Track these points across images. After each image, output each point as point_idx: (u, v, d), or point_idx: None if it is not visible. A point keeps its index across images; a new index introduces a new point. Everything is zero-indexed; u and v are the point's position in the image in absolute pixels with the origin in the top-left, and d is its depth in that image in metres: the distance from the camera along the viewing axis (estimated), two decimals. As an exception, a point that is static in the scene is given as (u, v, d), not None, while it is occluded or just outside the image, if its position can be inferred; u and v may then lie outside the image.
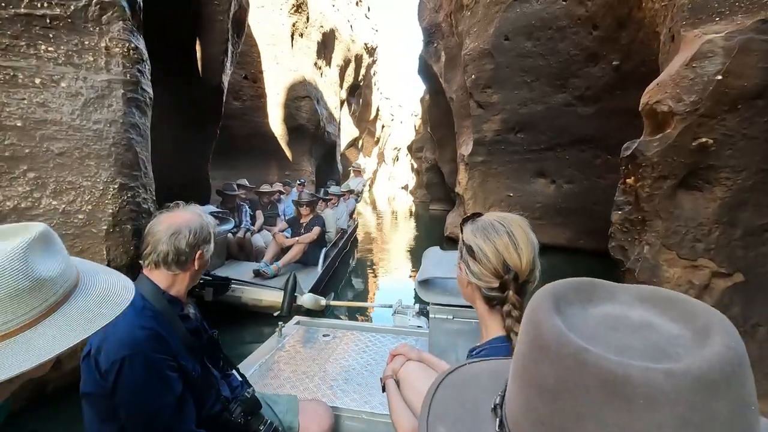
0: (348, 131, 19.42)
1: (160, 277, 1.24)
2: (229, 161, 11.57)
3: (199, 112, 6.21)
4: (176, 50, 5.40)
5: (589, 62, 6.93)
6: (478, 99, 8.66)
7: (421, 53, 12.96)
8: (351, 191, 8.73)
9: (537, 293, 0.39)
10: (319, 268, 5.24)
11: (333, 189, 8.69)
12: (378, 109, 37.29)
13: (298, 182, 9.20)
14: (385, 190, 52.11)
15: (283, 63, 11.18)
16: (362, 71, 23.44)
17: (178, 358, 1.19)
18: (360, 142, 36.02)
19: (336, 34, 15.41)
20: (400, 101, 59.55)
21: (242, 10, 6.96)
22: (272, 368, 2.28)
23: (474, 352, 0.94)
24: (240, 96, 11.07)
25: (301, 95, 11.34)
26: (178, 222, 1.24)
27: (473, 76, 8.57)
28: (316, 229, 5.51)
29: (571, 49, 7.02)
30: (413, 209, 25.44)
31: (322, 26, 13.34)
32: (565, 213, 8.70)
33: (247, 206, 7.00)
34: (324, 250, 5.56)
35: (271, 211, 7.88)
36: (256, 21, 10.70)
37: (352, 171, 10.66)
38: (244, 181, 8.19)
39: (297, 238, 5.34)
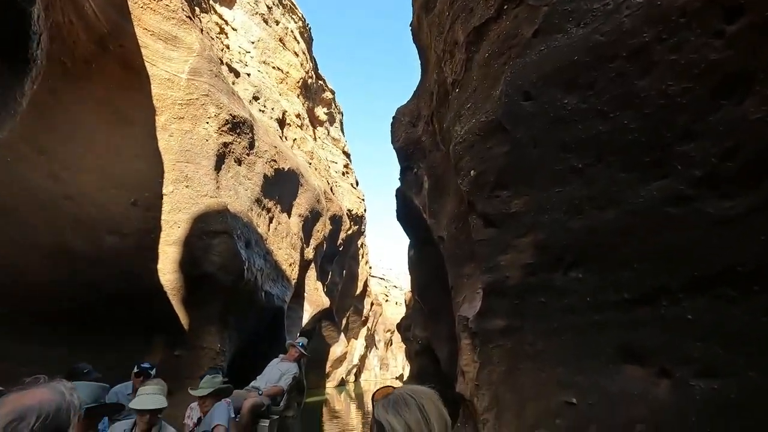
0: (314, 300, 15.16)
1: None
2: (80, 334, 6.95)
3: None
4: None
5: (722, 97, 3.24)
6: (486, 210, 4.75)
7: (397, 190, 9.83)
8: (217, 393, 3.79)
9: None
10: None
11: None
12: (366, 284, 33.71)
13: (135, 370, 4.44)
14: (377, 381, 44.04)
15: (196, 186, 7.77)
16: (342, 235, 20.65)
17: None
18: (344, 321, 31.10)
19: (300, 179, 12.76)
20: (397, 283, 57.09)
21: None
22: None
23: None
24: (120, 228, 7.24)
25: (215, 229, 7.54)
26: (25, 404, 0.96)
27: (473, 173, 4.88)
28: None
29: (671, 83, 3.44)
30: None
31: (274, 161, 10.60)
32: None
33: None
34: None
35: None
36: (168, 133, 7.73)
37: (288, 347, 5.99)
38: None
39: None
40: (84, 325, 6.85)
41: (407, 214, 10.27)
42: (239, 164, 9.14)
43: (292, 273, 11.98)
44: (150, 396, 2.79)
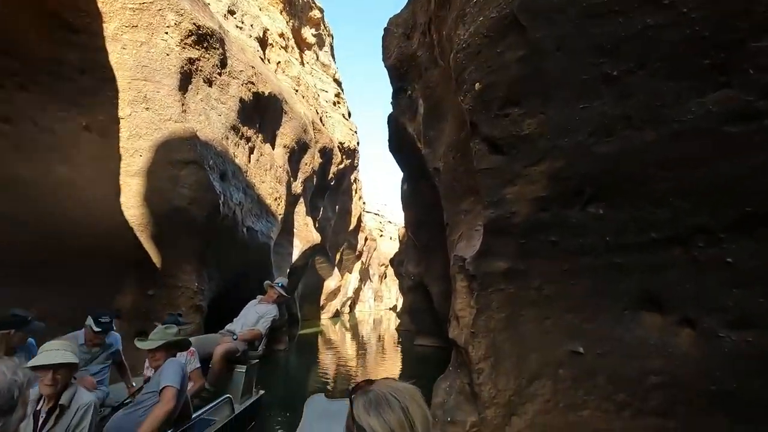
0: (304, 236, 14.67)
1: None
2: (38, 270, 6.35)
3: None
4: None
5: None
6: (492, 132, 3.92)
7: (389, 116, 8.82)
8: (169, 347, 3.20)
9: None
10: None
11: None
12: (360, 219, 33.42)
13: (96, 328, 3.71)
14: (371, 312, 45.65)
15: (158, 108, 6.75)
16: (333, 169, 19.75)
17: None
18: (338, 256, 31.21)
19: (284, 106, 11.61)
20: (392, 218, 57.04)
21: None
22: None
23: None
24: (72, 155, 6.35)
25: (183, 159, 6.67)
26: None
27: (477, 86, 3.97)
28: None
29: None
30: (397, 339, 19.45)
31: (252, 83, 9.41)
32: (736, 404, 3.38)
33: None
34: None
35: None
36: (120, 45, 6.54)
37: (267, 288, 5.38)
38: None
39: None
40: (43, 262, 6.24)
41: (400, 144, 9.36)
42: (209, 85, 8.01)
43: (278, 208, 11.30)
44: (54, 351, 2.17)
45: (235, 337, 4.78)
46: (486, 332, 4.06)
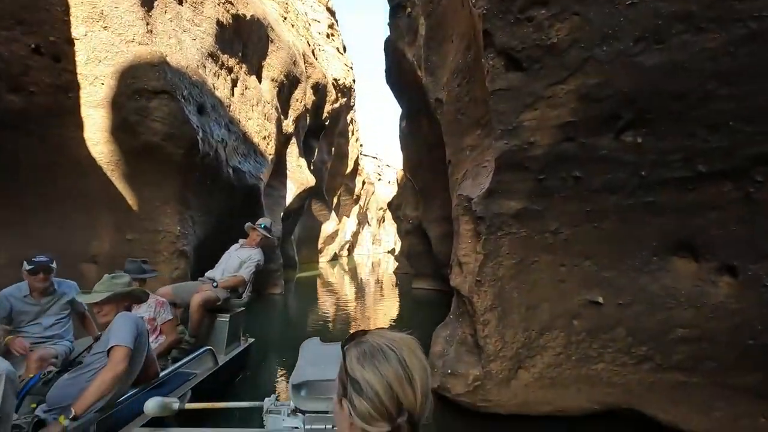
0: (298, 179, 14.02)
1: None
2: (10, 215, 5.81)
3: None
4: None
5: None
6: (510, 43, 3.17)
7: (386, 41, 7.84)
8: (129, 295, 2.75)
9: None
10: None
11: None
12: (357, 163, 32.54)
13: (27, 267, 3.24)
14: (369, 255, 46.17)
15: (117, 28, 5.82)
16: (327, 107, 18.64)
17: None
18: (335, 200, 30.75)
19: (270, 33, 10.45)
20: (390, 162, 55.79)
21: None
22: None
23: None
24: (23, 84, 5.55)
25: (151, 87, 5.86)
26: None
27: (494, -18, 3.18)
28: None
29: None
30: (395, 282, 19.56)
31: (230, 3, 8.29)
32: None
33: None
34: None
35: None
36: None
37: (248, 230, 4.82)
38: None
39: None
40: (6, 201, 5.68)
41: (398, 75, 8.44)
42: (179, 3, 6.96)
43: (268, 147, 10.56)
44: None
45: (215, 284, 4.34)
46: (493, 280, 3.60)
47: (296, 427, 2.37)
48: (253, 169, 9.41)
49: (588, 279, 3.50)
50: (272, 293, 11.97)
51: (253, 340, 5.04)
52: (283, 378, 5.40)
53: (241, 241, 4.84)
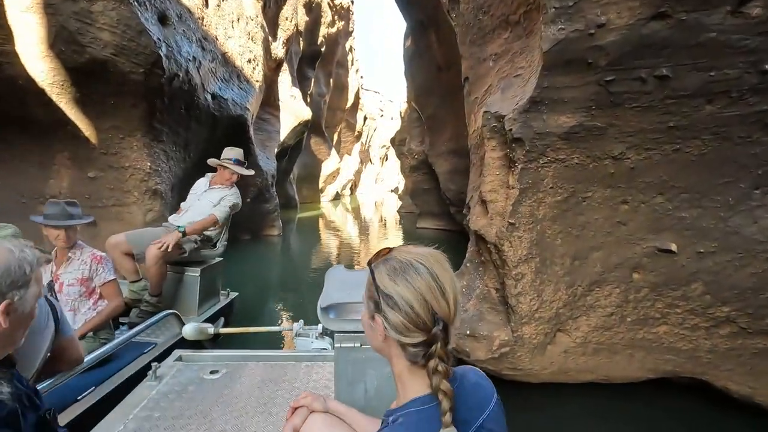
0: (292, 110, 12.76)
1: None
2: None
3: None
4: None
5: None
6: None
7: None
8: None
9: None
10: None
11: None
12: (358, 96, 30.64)
13: None
14: (372, 194, 45.38)
15: None
16: (323, 31, 16.79)
17: None
18: (335, 136, 29.34)
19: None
20: (393, 97, 52.91)
21: None
22: (141, 428, 1.76)
23: (391, 419, 0.79)
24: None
25: (93, -13, 4.64)
26: None
27: None
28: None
29: None
30: (399, 221, 18.97)
31: None
32: None
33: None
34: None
35: None
36: None
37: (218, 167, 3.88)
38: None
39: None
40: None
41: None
42: None
43: (255, 73, 9.28)
44: None
45: (181, 228, 3.53)
46: (531, 223, 2.74)
47: (324, 348, 2.61)
48: (238, 97, 8.27)
49: (658, 220, 2.64)
50: (269, 235, 11.32)
51: (236, 294, 4.32)
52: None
53: (208, 175, 3.96)
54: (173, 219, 3.70)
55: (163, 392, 2.05)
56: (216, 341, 3.35)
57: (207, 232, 3.68)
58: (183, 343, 3.00)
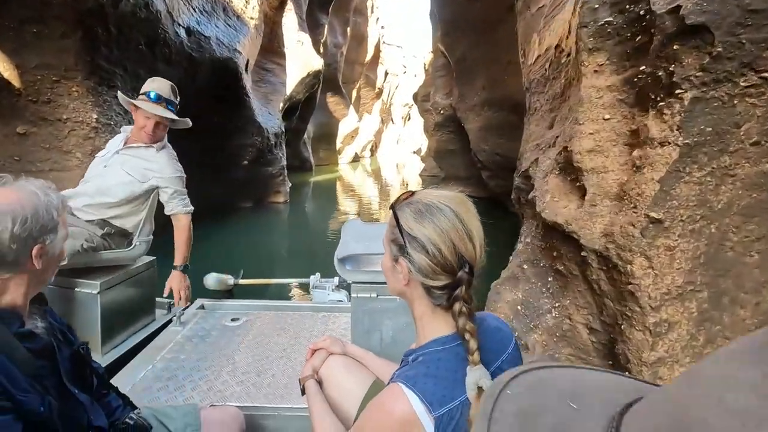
0: (301, 59, 11.13)
1: None
2: None
3: None
4: None
5: None
6: None
7: None
8: None
9: None
10: None
11: None
12: (378, 49, 28.28)
13: None
14: (393, 156, 43.45)
15: None
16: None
17: (12, 394, 0.87)
18: (354, 93, 27.40)
19: None
20: (416, 51, 49.34)
21: None
22: (168, 368, 1.84)
23: (411, 358, 0.80)
24: None
25: None
26: None
27: None
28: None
29: None
30: (421, 185, 17.35)
31: None
32: None
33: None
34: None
35: None
36: None
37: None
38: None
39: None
40: None
41: None
42: None
43: (248, 9, 7.69)
44: None
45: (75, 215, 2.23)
46: (700, 219, 1.27)
47: (340, 300, 3.01)
48: (224, 36, 6.76)
49: None
50: (274, 202, 10.07)
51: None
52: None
53: (124, 129, 2.59)
54: (68, 193, 2.37)
55: (188, 336, 2.11)
56: (234, 292, 3.81)
57: (116, 222, 2.35)
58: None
